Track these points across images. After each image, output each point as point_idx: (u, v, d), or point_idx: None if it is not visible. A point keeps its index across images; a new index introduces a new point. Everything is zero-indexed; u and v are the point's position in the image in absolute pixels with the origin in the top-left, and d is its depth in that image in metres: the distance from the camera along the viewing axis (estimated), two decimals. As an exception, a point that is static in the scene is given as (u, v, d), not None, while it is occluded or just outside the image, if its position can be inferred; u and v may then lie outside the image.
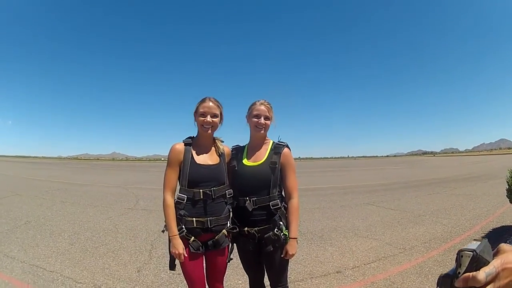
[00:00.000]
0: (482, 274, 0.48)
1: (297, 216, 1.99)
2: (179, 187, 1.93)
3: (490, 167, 23.15)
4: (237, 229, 2.00)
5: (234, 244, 2.12)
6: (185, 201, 1.87)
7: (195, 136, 2.06)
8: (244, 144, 2.19)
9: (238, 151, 2.16)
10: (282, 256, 1.97)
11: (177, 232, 1.84)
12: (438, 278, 0.54)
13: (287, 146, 2.08)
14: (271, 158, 2.00)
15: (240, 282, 3.31)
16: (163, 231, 1.97)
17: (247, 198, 1.96)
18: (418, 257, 3.98)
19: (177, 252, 1.82)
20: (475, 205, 7.59)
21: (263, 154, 2.05)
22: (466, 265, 0.50)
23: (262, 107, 2.03)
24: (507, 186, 5.24)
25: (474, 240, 0.54)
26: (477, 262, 0.50)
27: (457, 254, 0.53)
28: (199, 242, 1.90)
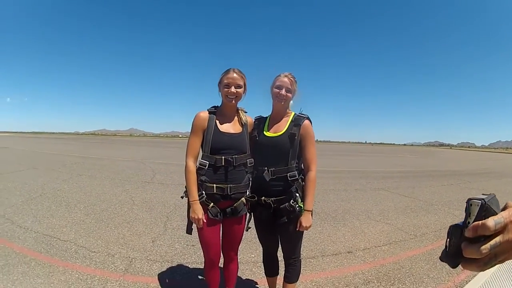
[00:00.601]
0: (491, 221, 0.48)
1: (313, 189, 1.98)
2: (201, 154, 1.94)
3: (505, 164, 22.58)
4: (256, 198, 2.01)
5: (252, 214, 2.15)
6: (206, 167, 1.89)
7: (219, 105, 2.06)
8: (267, 115, 2.18)
9: (260, 122, 2.15)
10: (296, 228, 1.97)
11: (197, 198, 1.87)
12: (449, 228, 0.54)
13: (308, 118, 2.05)
14: (291, 130, 1.98)
15: (253, 256, 3.37)
16: (182, 197, 2.01)
17: (266, 168, 1.96)
18: (428, 244, 3.96)
19: (196, 217, 1.85)
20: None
21: (283, 126, 2.03)
22: (475, 214, 0.50)
23: (285, 79, 1.99)
24: None
25: (483, 193, 0.53)
26: (486, 211, 0.50)
27: (466, 203, 0.52)
28: (218, 209, 1.93)
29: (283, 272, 2.21)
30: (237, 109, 2.08)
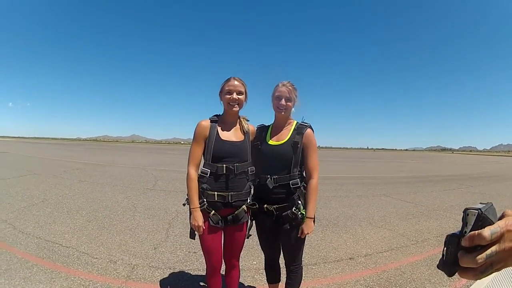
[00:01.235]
0: (487, 231, 0.49)
1: (315, 196, 2.00)
2: (203, 162, 1.97)
3: (506, 168, 22.52)
4: (257, 206, 2.04)
5: (253, 221, 2.17)
6: (208, 175, 1.92)
7: (221, 114, 2.09)
8: (269, 124, 2.21)
9: (262, 130, 2.18)
10: (298, 235, 1.99)
11: (198, 205, 1.89)
12: (446, 237, 0.55)
13: (310, 127, 2.09)
14: (294, 138, 2.01)
15: (255, 262, 3.37)
16: (184, 204, 2.03)
17: (269, 176, 1.99)
18: (430, 250, 3.96)
19: (196, 224, 1.88)
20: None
21: (286, 134, 2.06)
22: (472, 224, 0.51)
23: (284, 89, 2.01)
24: None
25: (480, 203, 0.55)
26: (483, 221, 0.51)
27: (463, 212, 0.53)
28: (219, 216, 1.95)
29: (285, 279, 2.22)
30: (239, 117, 2.11)
